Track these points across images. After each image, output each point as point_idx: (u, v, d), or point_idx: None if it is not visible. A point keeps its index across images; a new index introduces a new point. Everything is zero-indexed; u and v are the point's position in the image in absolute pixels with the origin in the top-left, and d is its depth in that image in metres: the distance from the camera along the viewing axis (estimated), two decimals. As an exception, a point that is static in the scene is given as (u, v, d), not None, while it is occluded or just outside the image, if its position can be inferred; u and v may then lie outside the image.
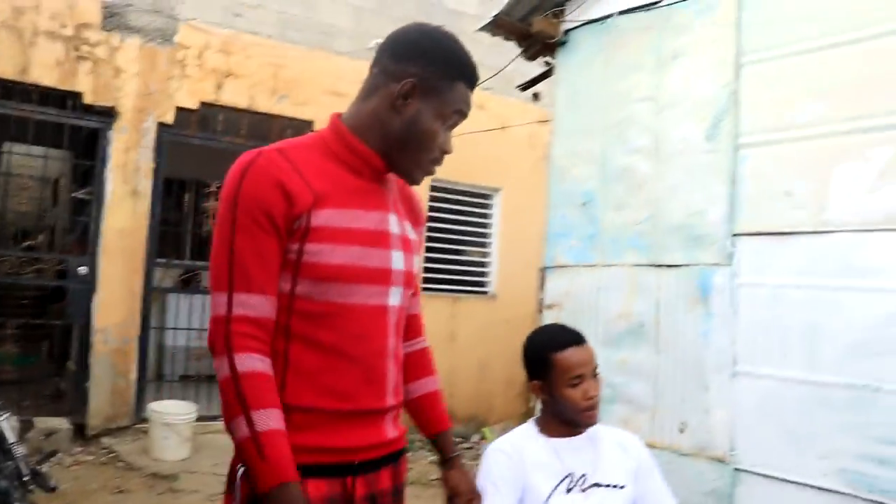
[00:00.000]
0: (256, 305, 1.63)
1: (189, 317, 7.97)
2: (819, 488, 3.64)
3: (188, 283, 9.05)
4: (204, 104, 7.34)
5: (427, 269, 8.67)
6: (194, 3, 7.27)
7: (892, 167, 3.58)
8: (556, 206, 5.04)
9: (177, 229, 8.13)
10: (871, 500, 3.46)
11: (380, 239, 1.78)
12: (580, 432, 2.59)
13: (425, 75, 1.72)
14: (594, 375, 2.50)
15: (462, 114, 1.77)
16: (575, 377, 2.45)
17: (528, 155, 9.10)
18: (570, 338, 2.53)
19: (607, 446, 2.60)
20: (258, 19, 7.54)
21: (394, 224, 1.83)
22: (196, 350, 8.41)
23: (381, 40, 1.82)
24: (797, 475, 3.71)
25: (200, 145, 7.48)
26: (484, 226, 9.25)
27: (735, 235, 4.05)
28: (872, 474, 3.46)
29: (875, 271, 3.57)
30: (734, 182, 4.08)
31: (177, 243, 8.48)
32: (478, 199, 9.15)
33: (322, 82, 7.72)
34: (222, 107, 7.42)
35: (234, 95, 7.42)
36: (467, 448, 8.04)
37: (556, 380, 2.47)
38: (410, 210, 1.97)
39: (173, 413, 6.57)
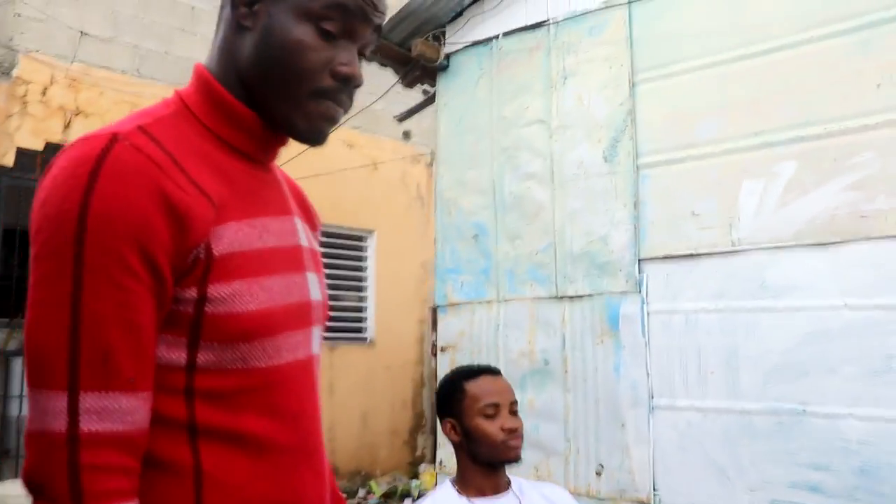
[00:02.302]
0: (128, 413, 0.96)
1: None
2: (750, 524, 3.42)
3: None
4: (50, 145, 6.64)
5: (301, 318, 8.18)
6: (36, 33, 6.59)
7: (797, 182, 3.48)
8: (444, 241, 4.71)
9: (21, 285, 7.29)
10: (805, 532, 3.27)
11: (296, 259, 1.18)
12: (504, 485, 2.33)
13: None
14: (512, 412, 2.28)
15: (346, 8, 1.10)
16: (489, 405, 2.24)
17: (402, 195, 8.82)
18: (482, 368, 2.40)
19: (535, 501, 2.34)
20: (109, 53, 6.94)
21: (302, 233, 1.24)
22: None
23: None
24: (726, 512, 3.48)
25: (45, 192, 6.76)
26: (359, 269, 8.85)
27: (642, 261, 3.84)
28: (805, 503, 3.28)
29: (789, 290, 3.44)
30: (637, 205, 3.88)
31: (21, 301, 7.64)
32: (351, 242, 8.76)
33: (180, 121, 7.19)
34: (70, 149, 6.76)
35: (83, 136, 6.76)
36: (354, 506, 7.55)
37: (467, 410, 2.28)
38: (303, 207, 1.34)
39: (20, 496, 5.78)
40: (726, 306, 3.58)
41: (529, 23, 4.41)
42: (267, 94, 1.12)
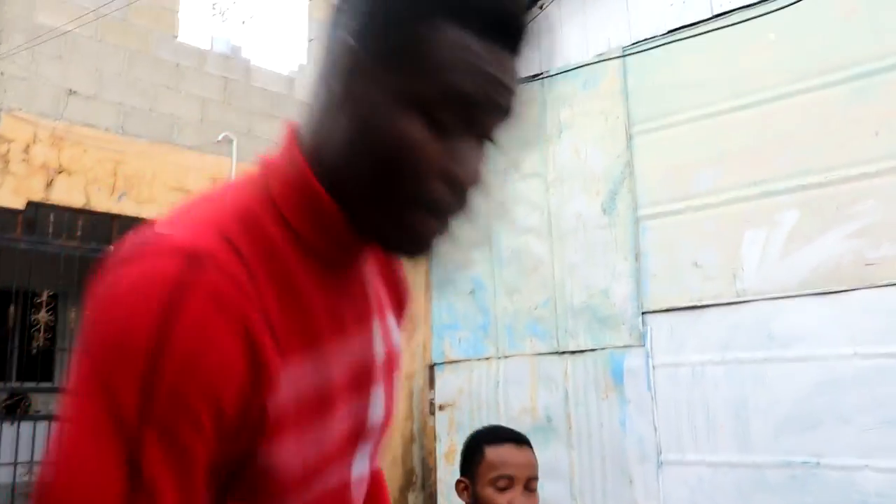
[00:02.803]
0: None
1: (15, 449, 6.91)
2: (767, 582, 3.33)
3: (14, 409, 7.95)
4: (32, 203, 6.52)
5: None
6: (19, 91, 6.51)
7: (800, 231, 3.46)
8: (439, 297, 4.64)
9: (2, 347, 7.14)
10: (824, 590, 3.18)
11: (361, 381, 0.98)
12: None
13: (370, 25, 0.82)
14: (529, 489, 2.08)
15: (467, 96, 0.78)
16: (502, 477, 2.02)
17: (387, 248, 8.76)
18: (510, 435, 2.16)
19: None
20: (94, 110, 6.87)
21: (378, 340, 1.01)
22: (25, 488, 7.31)
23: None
24: (742, 570, 3.39)
25: (28, 250, 6.61)
26: (345, 325, 8.74)
27: (645, 313, 3.79)
28: (823, 560, 3.19)
29: (797, 339, 3.40)
30: (638, 256, 3.84)
31: (0, 362, 7.45)
32: (337, 298, 8.67)
33: (167, 178, 7.10)
34: (54, 206, 6.61)
35: (67, 194, 6.63)
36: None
37: (481, 475, 2.07)
38: (391, 287, 1.08)
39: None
40: (733, 357, 3.53)
41: (523, 76, 4.40)
42: (358, 196, 0.85)
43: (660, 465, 3.66)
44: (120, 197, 6.84)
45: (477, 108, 0.81)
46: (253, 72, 8.05)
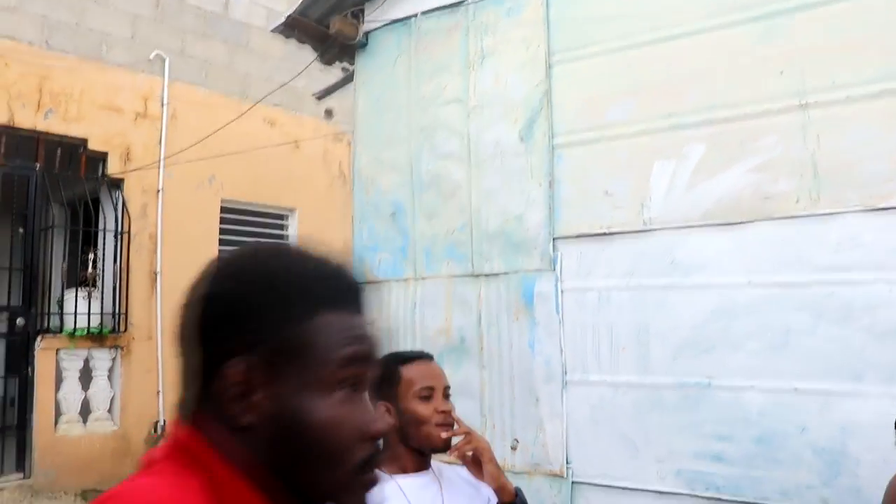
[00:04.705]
0: None
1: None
2: (658, 492, 3.54)
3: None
4: (-50, 119, 6.37)
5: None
6: (-68, 0, 6.31)
7: (705, 164, 3.58)
8: (361, 219, 4.72)
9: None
10: (709, 498, 3.41)
11: None
12: (427, 465, 2.34)
13: (258, 333, 0.89)
14: (446, 396, 2.30)
15: (361, 357, 0.93)
16: (425, 388, 2.25)
17: (323, 173, 8.76)
18: (416, 353, 2.40)
19: (456, 483, 2.38)
20: (16, 23, 6.64)
21: None
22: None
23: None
24: (635, 482, 3.60)
25: (-53, 168, 6.49)
26: (280, 249, 8.75)
27: (556, 239, 3.92)
28: (708, 472, 3.41)
29: (697, 268, 3.55)
30: (552, 184, 3.94)
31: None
32: (272, 220, 8.67)
33: (95, 96, 6.97)
34: (-25, 122, 6.46)
35: (-12, 109, 6.47)
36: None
37: (403, 393, 2.27)
38: None
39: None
40: (637, 284, 3.68)
41: (448, 2, 4.42)
42: (304, 485, 0.92)
43: (564, 384, 3.83)
44: (47, 114, 6.69)
45: (364, 365, 0.94)
46: (186, -12, 7.87)
